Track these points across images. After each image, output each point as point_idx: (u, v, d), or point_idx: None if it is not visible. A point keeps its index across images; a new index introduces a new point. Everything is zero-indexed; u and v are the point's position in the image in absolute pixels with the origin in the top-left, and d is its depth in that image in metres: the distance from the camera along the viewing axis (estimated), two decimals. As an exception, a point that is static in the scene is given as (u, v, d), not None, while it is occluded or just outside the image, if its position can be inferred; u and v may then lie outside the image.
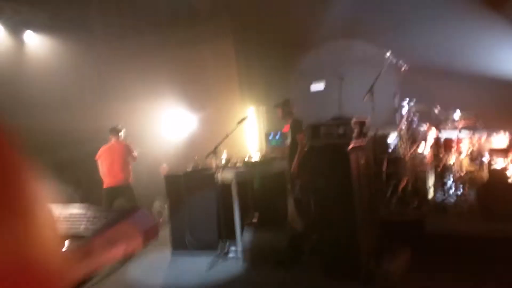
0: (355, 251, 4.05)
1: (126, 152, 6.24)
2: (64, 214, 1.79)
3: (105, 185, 6.11)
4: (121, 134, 6.33)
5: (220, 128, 6.53)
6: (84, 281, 1.53)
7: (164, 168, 8.67)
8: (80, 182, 9.47)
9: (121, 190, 6.08)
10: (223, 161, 5.89)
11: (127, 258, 1.56)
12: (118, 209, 1.74)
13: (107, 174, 6.08)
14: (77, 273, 1.39)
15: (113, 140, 6.26)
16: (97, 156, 6.20)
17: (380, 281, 3.91)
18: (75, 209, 1.84)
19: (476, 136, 5.52)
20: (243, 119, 5.78)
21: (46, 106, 9.23)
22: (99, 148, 6.35)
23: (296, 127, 5.63)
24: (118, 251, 1.62)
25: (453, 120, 5.54)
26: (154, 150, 7.57)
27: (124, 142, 6.35)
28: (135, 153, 6.33)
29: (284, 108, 5.73)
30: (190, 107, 9.52)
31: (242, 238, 4.94)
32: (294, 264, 4.59)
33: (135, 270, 5.06)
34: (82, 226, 1.62)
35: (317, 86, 8.32)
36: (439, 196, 5.34)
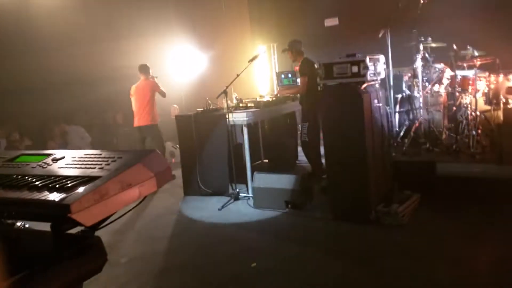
0: (366, 192, 4.11)
1: (154, 89, 6.56)
2: (79, 155, 1.81)
3: (134, 124, 6.67)
4: (150, 71, 6.59)
5: (231, 67, 6.40)
6: (102, 221, 1.58)
7: (174, 109, 8.71)
8: (92, 124, 9.60)
9: (148, 130, 6.62)
10: (234, 102, 5.84)
11: (141, 200, 1.59)
12: (132, 150, 1.76)
13: (137, 113, 6.63)
14: (94, 214, 1.44)
15: (142, 78, 6.56)
16: (130, 94, 6.64)
17: (389, 221, 3.99)
18: (90, 151, 1.86)
19: (493, 75, 5.32)
20: (254, 58, 5.61)
21: (56, 45, 9.09)
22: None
23: (302, 68, 5.47)
24: (133, 193, 1.66)
25: (470, 59, 5.31)
26: (165, 90, 7.49)
27: (152, 80, 6.61)
28: (164, 89, 6.67)
29: (292, 49, 5.51)
30: (200, 46, 9.28)
31: (253, 180, 5.02)
32: (304, 205, 4.69)
33: (150, 210, 5.26)
34: (97, 167, 1.64)
35: (332, 21, 7.96)
36: (453, 137, 5.28)
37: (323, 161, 5.03)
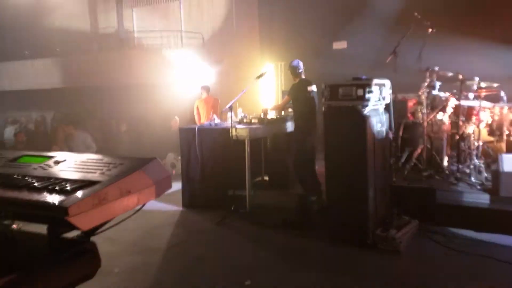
0: (364, 216, 4.08)
1: (217, 105, 7.70)
2: (80, 159, 1.83)
3: None
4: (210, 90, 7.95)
5: (238, 83, 6.48)
6: (98, 227, 1.58)
7: (175, 122, 8.75)
8: (97, 130, 9.65)
9: None
10: (239, 117, 5.87)
11: (140, 207, 1.60)
12: (133, 157, 1.77)
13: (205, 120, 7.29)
14: (91, 219, 1.44)
15: (205, 94, 7.86)
16: (196, 107, 7.80)
17: (386, 246, 3.95)
18: (92, 155, 1.87)
19: (498, 106, 5.34)
20: (261, 75, 5.68)
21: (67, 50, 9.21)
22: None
23: (290, 88, 5.58)
24: (131, 200, 1.66)
25: (476, 89, 5.35)
26: (169, 102, 7.59)
27: (215, 97, 7.84)
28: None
29: (289, 71, 5.60)
30: (209, 61, 9.40)
31: (252, 196, 5.01)
32: (301, 225, 4.66)
33: (147, 221, 5.24)
34: (98, 172, 1.64)
35: (340, 44, 8.06)
36: (454, 165, 5.26)
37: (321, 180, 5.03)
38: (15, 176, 1.68)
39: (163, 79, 9.34)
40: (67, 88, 9.82)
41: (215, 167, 5.48)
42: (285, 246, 4.29)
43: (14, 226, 1.88)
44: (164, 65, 9.45)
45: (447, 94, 5.44)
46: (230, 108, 5.29)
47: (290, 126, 6.18)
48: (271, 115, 6.23)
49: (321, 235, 4.37)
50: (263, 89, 8.87)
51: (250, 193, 5.20)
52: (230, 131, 5.24)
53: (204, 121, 7.36)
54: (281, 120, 6.05)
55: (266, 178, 6.87)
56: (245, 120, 5.79)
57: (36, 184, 1.55)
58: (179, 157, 6.80)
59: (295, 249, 4.20)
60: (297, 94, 5.44)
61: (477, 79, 5.19)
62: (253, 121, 5.74)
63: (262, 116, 5.92)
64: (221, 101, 7.67)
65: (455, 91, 5.40)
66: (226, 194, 5.39)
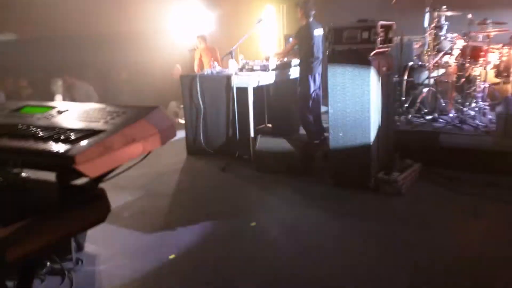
0: (367, 159, 4.13)
1: (216, 54, 7.59)
2: (83, 108, 1.82)
3: None
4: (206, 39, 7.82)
5: (238, 28, 6.28)
6: (104, 175, 1.61)
7: (177, 69, 8.61)
8: (94, 80, 9.54)
9: None
10: (240, 64, 5.76)
11: (146, 155, 1.61)
12: (136, 106, 1.77)
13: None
14: (98, 166, 1.46)
15: (203, 44, 7.73)
16: (199, 56, 7.71)
17: (388, 189, 4.03)
18: (94, 105, 1.86)
19: (507, 47, 5.19)
20: (261, 19, 5.48)
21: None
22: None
23: (297, 31, 5.41)
24: (136, 148, 1.68)
25: (484, 28, 5.17)
26: (169, 49, 7.41)
27: (212, 46, 7.74)
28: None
29: (302, 8, 5.35)
30: (207, 4, 9.04)
31: (256, 143, 5.04)
32: (305, 170, 4.73)
33: (153, 168, 5.33)
34: (102, 121, 1.65)
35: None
36: (459, 108, 5.23)
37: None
38: (20, 126, 1.69)
39: (161, 25, 9.06)
40: (58, 36, 9.55)
41: (218, 115, 5.48)
42: (289, 190, 4.39)
43: (23, 174, 1.92)
44: (162, 11, 9.13)
45: (454, 35, 5.28)
46: (231, 55, 5.17)
47: (293, 73, 6.07)
48: (274, 61, 6.10)
49: (324, 180, 4.46)
50: (264, 34, 8.60)
51: (254, 140, 5.23)
52: (232, 78, 5.17)
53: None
54: (284, 67, 5.93)
55: (269, 125, 6.87)
56: (246, 67, 5.68)
57: (41, 133, 1.56)
58: (182, 105, 6.78)
59: (299, 192, 4.30)
60: (303, 37, 5.28)
61: (487, 19, 5.01)
62: (254, 68, 5.63)
63: (265, 61, 5.80)
64: (221, 48, 7.48)
65: (463, 31, 5.23)
66: (230, 141, 5.43)
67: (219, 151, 5.50)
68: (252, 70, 5.57)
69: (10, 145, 1.51)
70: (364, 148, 4.11)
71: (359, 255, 3.05)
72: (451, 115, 5.15)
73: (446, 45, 5.30)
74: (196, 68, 7.64)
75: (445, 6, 5.24)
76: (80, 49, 9.48)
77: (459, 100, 5.41)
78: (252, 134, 5.32)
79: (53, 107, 1.87)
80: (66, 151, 1.39)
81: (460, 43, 5.21)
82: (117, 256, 3.17)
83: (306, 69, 5.36)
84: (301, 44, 5.37)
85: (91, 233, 1.74)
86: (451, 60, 5.32)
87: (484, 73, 4.99)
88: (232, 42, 5.30)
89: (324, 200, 4.09)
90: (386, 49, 4.31)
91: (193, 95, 5.56)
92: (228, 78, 5.25)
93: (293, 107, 6.49)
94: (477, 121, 4.85)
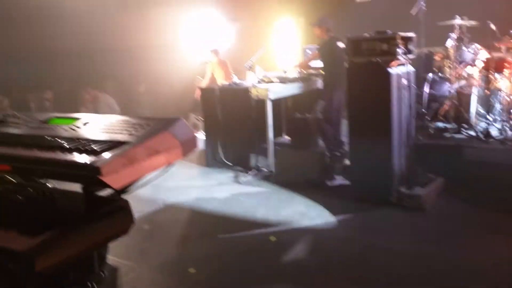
0: (388, 173, 4.06)
1: (228, 67, 7.63)
2: (108, 120, 1.85)
3: None
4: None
5: (256, 40, 6.34)
6: (127, 186, 1.63)
7: (198, 81, 8.72)
8: (120, 93, 9.74)
9: None
10: (259, 76, 5.79)
11: (168, 167, 1.62)
12: (159, 118, 1.80)
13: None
14: (122, 178, 1.48)
15: (216, 58, 7.70)
16: (211, 69, 7.68)
17: (411, 204, 3.94)
18: (119, 117, 1.89)
19: (533, 59, 5.07)
20: (280, 32, 5.52)
21: (86, 9, 9.14)
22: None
23: (320, 45, 5.45)
24: (159, 160, 1.69)
25: (507, 40, 5.07)
26: (189, 62, 7.52)
27: (224, 59, 7.74)
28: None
29: (320, 26, 5.39)
30: (226, 17, 9.16)
31: (274, 155, 5.02)
32: (324, 183, 4.68)
33: (173, 180, 5.36)
34: (126, 133, 1.67)
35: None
36: (483, 122, 5.11)
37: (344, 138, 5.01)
38: (47, 137, 1.73)
39: (181, 39, 9.22)
40: (82, 49, 9.81)
41: (237, 127, 5.49)
42: (307, 204, 4.34)
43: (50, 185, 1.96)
44: (182, 25, 9.30)
45: (477, 46, 5.19)
46: (250, 67, 5.22)
47: (311, 85, 6.06)
48: (292, 73, 6.11)
49: (343, 193, 4.40)
50: (282, 47, 8.65)
51: (272, 152, 5.22)
52: (251, 90, 5.19)
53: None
54: (302, 79, 5.94)
55: (288, 137, 6.85)
56: (265, 79, 5.71)
57: (68, 145, 1.59)
58: (201, 118, 6.84)
59: (318, 206, 4.24)
60: (327, 51, 5.32)
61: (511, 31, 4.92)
62: (273, 80, 5.65)
63: (283, 73, 5.81)
64: (239, 60, 7.50)
65: (486, 43, 5.15)
66: (248, 154, 5.43)
67: (238, 163, 5.51)
68: (270, 82, 5.59)
69: (38, 156, 1.54)
70: (385, 162, 4.05)
71: (380, 271, 2.98)
72: (475, 128, 5.03)
73: (468, 56, 5.21)
74: (207, 82, 7.65)
75: (467, 17, 5.17)
76: (103, 62, 9.71)
77: (483, 113, 5.29)
78: (270, 147, 5.31)
79: (78, 119, 1.91)
80: (92, 162, 1.41)
81: (483, 54, 5.12)
82: (138, 269, 3.18)
83: (329, 82, 5.37)
84: (324, 57, 5.41)
85: (113, 244, 1.75)
86: (474, 71, 5.22)
87: (509, 85, 4.87)
88: (250, 54, 5.35)
89: (344, 214, 4.02)
90: (406, 60, 4.27)
91: (213, 108, 5.60)
92: (247, 90, 5.28)
93: (311, 120, 6.47)
94: (502, 135, 4.72)
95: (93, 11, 9.12)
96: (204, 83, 7.62)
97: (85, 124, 1.84)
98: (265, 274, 3.03)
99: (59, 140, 1.65)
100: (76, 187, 1.65)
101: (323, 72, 5.60)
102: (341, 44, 5.27)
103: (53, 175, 1.55)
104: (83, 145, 1.57)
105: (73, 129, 1.80)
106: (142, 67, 9.93)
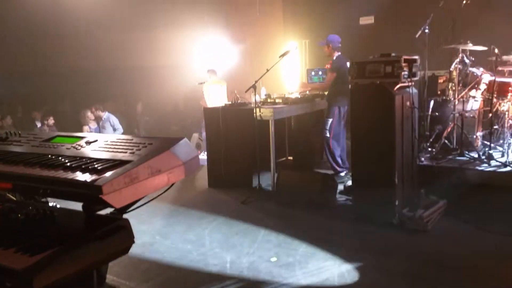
0: (391, 195, 4.03)
1: (224, 87, 7.61)
2: (111, 139, 1.86)
3: None
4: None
5: (261, 62, 6.42)
6: (129, 206, 1.62)
7: (203, 101, 8.79)
8: (119, 112, 9.84)
9: None
10: (263, 97, 5.84)
11: (170, 186, 1.62)
12: (162, 137, 1.82)
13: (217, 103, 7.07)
14: (124, 197, 1.48)
15: (214, 77, 7.68)
16: (206, 91, 7.55)
17: (413, 226, 3.91)
18: (121, 136, 1.90)
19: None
20: (285, 53, 5.59)
21: (90, 30, 9.31)
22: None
23: (334, 64, 5.49)
24: (161, 179, 1.69)
25: (511, 63, 5.10)
26: (192, 83, 7.61)
27: (222, 80, 7.72)
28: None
29: (328, 45, 5.49)
30: (231, 39, 9.31)
31: (277, 176, 5.01)
32: (326, 204, 4.65)
33: (175, 199, 5.35)
34: (128, 152, 1.68)
35: (367, 20, 7.79)
36: (486, 144, 5.09)
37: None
38: (50, 156, 1.74)
39: (184, 60, 9.35)
40: (85, 69, 9.95)
41: (240, 147, 5.50)
42: (310, 224, 4.30)
43: (50, 204, 1.95)
44: (186, 46, 9.45)
45: (481, 69, 5.22)
46: (254, 88, 5.26)
47: (314, 106, 6.10)
48: (295, 94, 6.16)
49: (346, 214, 4.36)
50: (287, 68, 8.75)
51: (275, 173, 5.21)
52: (254, 111, 5.23)
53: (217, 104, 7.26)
54: (305, 100, 5.98)
55: (291, 158, 6.86)
56: (269, 100, 5.75)
57: (70, 163, 1.59)
58: (204, 137, 6.87)
59: (320, 228, 4.21)
60: (342, 70, 5.39)
61: (513, 54, 4.95)
62: (277, 101, 5.69)
63: (286, 94, 5.86)
64: (244, 81, 7.50)
65: (489, 66, 5.18)
66: (251, 174, 5.42)
67: (240, 183, 5.49)
68: (274, 103, 5.63)
69: (41, 174, 1.55)
70: (388, 183, 4.03)
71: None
72: (478, 151, 5.01)
73: (472, 79, 5.23)
74: (206, 102, 7.52)
75: (470, 41, 5.22)
76: (106, 81, 9.83)
77: (486, 137, 5.28)
78: (273, 167, 5.31)
79: (82, 138, 1.92)
80: (93, 181, 1.42)
81: (487, 78, 5.14)
82: (136, 289, 3.14)
83: (336, 100, 5.43)
84: (338, 75, 5.46)
85: (112, 264, 1.74)
86: (477, 95, 5.23)
87: None
88: (254, 76, 5.40)
89: (346, 235, 3.98)
90: (410, 83, 4.29)
91: (216, 127, 5.63)
92: (250, 110, 5.31)
93: (314, 140, 6.48)
94: (505, 158, 4.70)
95: (96, 32, 9.29)
96: (205, 103, 7.61)
97: (88, 143, 1.86)
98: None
99: (61, 159, 1.66)
100: (78, 206, 1.65)
101: (324, 89, 5.65)
102: (348, 63, 5.34)
103: (55, 194, 1.55)
104: (85, 164, 1.57)
105: (76, 148, 1.81)
106: (145, 87, 10.06)
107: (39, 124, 8.21)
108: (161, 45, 9.55)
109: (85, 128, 8.33)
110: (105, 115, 8.63)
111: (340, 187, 5.10)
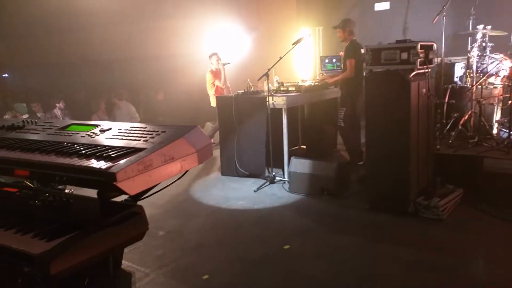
0: (406, 184, 3.99)
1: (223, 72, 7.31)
2: (125, 128, 1.87)
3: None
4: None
5: (274, 50, 6.36)
6: (144, 192, 1.64)
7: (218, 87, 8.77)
8: (140, 102, 9.92)
9: None
10: (275, 85, 5.80)
11: (183, 174, 1.63)
12: (175, 125, 1.82)
13: (223, 88, 7.23)
14: (138, 184, 1.49)
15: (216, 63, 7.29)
16: (215, 78, 7.25)
17: (428, 215, 3.87)
18: (135, 124, 1.91)
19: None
20: (298, 41, 5.52)
21: (105, 21, 9.35)
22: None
23: (349, 50, 5.33)
24: (175, 167, 1.70)
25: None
26: (207, 70, 7.58)
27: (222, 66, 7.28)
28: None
29: (345, 28, 5.36)
30: (244, 27, 9.24)
31: (290, 164, 5.00)
32: (340, 193, 4.63)
33: (188, 187, 5.39)
34: (142, 140, 1.68)
35: (382, 5, 7.63)
36: (505, 132, 4.98)
37: (363, 148, 4.96)
38: (65, 143, 1.76)
39: (198, 48, 9.32)
40: (98, 60, 10.04)
41: (253, 136, 5.49)
42: (323, 213, 4.30)
43: (66, 190, 1.99)
44: (200, 33, 9.41)
45: (501, 55, 5.09)
46: (267, 76, 5.22)
47: (328, 94, 6.04)
48: (309, 82, 6.10)
49: (360, 203, 4.34)
50: (300, 56, 8.67)
51: (288, 161, 5.19)
52: (267, 99, 5.20)
53: (223, 89, 7.18)
54: (319, 88, 5.91)
55: (304, 146, 6.82)
56: (282, 88, 5.71)
57: (85, 151, 1.61)
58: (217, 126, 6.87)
59: (334, 216, 4.20)
60: (357, 55, 5.26)
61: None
62: (290, 89, 5.65)
63: (300, 82, 5.79)
64: (257, 69, 7.24)
65: (509, 52, 5.04)
66: (264, 163, 5.42)
67: (253, 172, 5.50)
68: (287, 91, 5.59)
69: (56, 161, 1.57)
70: (403, 172, 3.98)
71: (396, 284, 2.91)
72: (496, 139, 4.90)
73: (491, 66, 5.10)
74: (212, 91, 7.29)
75: (490, 26, 5.08)
76: (121, 71, 9.90)
77: (505, 124, 5.16)
78: (286, 156, 5.29)
79: (96, 126, 1.94)
80: (107, 168, 1.43)
81: (507, 64, 5.01)
82: (152, 275, 3.19)
83: (352, 88, 5.33)
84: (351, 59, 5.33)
85: (127, 250, 1.77)
86: (496, 82, 5.11)
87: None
88: (267, 64, 5.36)
89: (360, 224, 3.96)
90: (426, 70, 4.21)
91: (229, 116, 5.62)
92: (263, 99, 5.28)
93: (327, 129, 6.43)
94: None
95: (112, 22, 9.34)
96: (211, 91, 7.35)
97: (102, 131, 1.87)
98: (275, 282, 2.99)
99: (76, 146, 1.68)
100: (94, 193, 1.68)
101: (349, 77, 5.49)
102: (362, 49, 5.24)
103: (70, 181, 1.57)
104: (100, 151, 1.59)
105: (91, 136, 1.83)
106: (160, 76, 10.09)
107: (39, 115, 8.28)
108: (172, 34, 9.54)
109: (94, 116, 8.42)
110: (122, 103, 8.70)
111: (354, 175, 5.06)
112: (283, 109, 5.21)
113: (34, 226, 1.53)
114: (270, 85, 5.40)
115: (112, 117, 8.54)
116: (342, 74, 5.62)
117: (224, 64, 7.16)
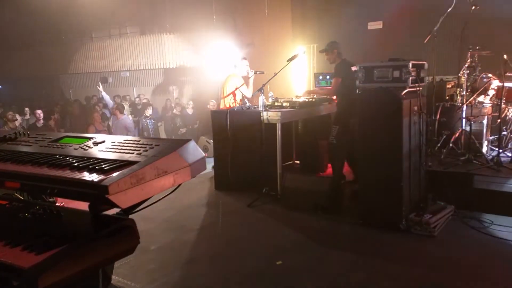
0: (398, 200, 4.01)
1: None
2: (118, 141, 1.88)
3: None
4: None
5: (269, 66, 6.41)
6: (136, 205, 1.63)
7: (213, 105, 8.83)
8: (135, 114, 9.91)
9: None
10: (270, 100, 5.84)
11: (176, 187, 1.63)
12: (169, 139, 1.83)
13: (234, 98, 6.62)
14: (130, 197, 1.49)
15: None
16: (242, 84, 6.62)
17: (420, 231, 3.88)
18: (129, 137, 1.92)
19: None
20: (293, 57, 5.60)
21: (100, 34, 9.42)
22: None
23: (338, 69, 5.40)
24: (167, 180, 1.70)
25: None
26: (202, 85, 7.64)
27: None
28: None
29: (331, 51, 5.42)
30: (240, 43, 9.35)
31: (283, 180, 5.01)
32: (333, 208, 4.63)
33: (181, 201, 5.37)
34: (135, 153, 1.69)
35: (375, 25, 7.78)
36: (494, 150, 5.05)
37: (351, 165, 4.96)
38: (58, 156, 1.76)
39: (194, 62, 9.41)
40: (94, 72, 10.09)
41: (247, 150, 5.50)
42: (316, 229, 4.29)
43: (58, 203, 1.97)
44: (195, 49, 9.51)
45: (489, 75, 5.19)
46: (261, 91, 5.27)
47: (322, 110, 6.09)
48: (303, 98, 6.15)
49: (352, 219, 4.34)
50: (294, 72, 8.76)
51: (281, 176, 5.20)
52: (261, 114, 5.23)
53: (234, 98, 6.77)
54: (312, 104, 5.97)
55: (297, 161, 6.84)
56: (276, 104, 5.76)
57: (77, 163, 1.61)
58: (211, 140, 6.88)
59: (326, 232, 4.19)
60: (347, 74, 5.32)
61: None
62: (284, 104, 5.70)
63: (294, 98, 5.85)
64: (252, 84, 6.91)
65: (497, 72, 5.14)
66: (257, 177, 5.42)
67: (247, 186, 5.49)
68: (281, 106, 5.63)
69: (48, 174, 1.56)
70: (395, 188, 4.01)
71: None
72: (486, 157, 4.96)
73: (480, 85, 5.20)
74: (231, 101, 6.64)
75: (479, 47, 5.19)
76: (118, 84, 9.92)
77: (495, 142, 5.23)
78: (279, 171, 5.30)
79: (90, 139, 1.94)
80: (100, 181, 1.43)
81: (495, 83, 5.11)
82: (141, 289, 3.15)
83: (346, 107, 5.35)
84: (343, 80, 5.39)
85: (117, 265, 1.75)
86: (486, 100, 5.20)
87: (521, 114, 4.84)
88: (262, 80, 5.42)
89: (352, 240, 3.96)
90: (418, 88, 4.27)
91: (223, 131, 5.64)
92: (258, 114, 5.32)
93: (321, 144, 6.46)
94: (513, 164, 4.65)
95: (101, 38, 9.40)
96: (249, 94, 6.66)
97: (95, 143, 1.87)
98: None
99: (68, 159, 1.68)
100: (85, 206, 1.67)
101: (330, 95, 5.58)
102: (353, 68, 5.30)
103: (62, 193, 1.56)
104: (92, 164, 1.59)
105: (84, 149, 1.83)
106: (156, 89, 10.14)
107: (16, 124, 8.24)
108: (170, 48, 9.62)
109: (91, 127, 8.41)
110: (120, 116, 8.68)
111: (347, 191, 5.07)
112: (277, 124, 5.25)
113: (23, 239, 1.51)
114: (265, 100, 5.45)
115: (109, 130, 8.53)
116: (325, 90, 5.72)
117: (255, 72, 6.46)
